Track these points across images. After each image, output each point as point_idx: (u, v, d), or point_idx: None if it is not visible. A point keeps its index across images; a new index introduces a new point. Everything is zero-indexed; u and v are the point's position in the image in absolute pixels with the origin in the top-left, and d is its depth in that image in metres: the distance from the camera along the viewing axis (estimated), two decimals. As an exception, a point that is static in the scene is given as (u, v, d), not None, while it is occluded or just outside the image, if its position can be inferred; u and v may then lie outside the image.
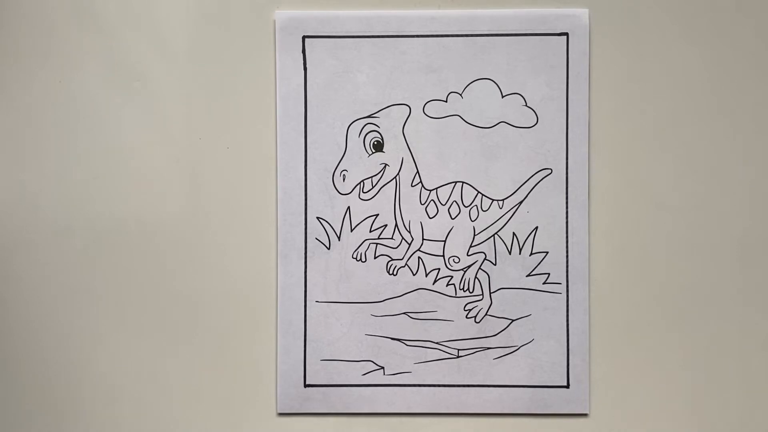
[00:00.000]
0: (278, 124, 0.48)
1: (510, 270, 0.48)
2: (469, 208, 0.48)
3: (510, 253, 0.48)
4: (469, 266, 0.48)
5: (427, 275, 0.48)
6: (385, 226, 0.48)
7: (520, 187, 0.47)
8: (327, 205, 0.48)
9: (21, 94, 0.48)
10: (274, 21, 0.47)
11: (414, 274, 0.48)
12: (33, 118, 0.48)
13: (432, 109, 0.47)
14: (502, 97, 0.47)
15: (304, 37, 0.47)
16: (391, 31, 0.47)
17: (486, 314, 0.48)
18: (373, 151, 0.48)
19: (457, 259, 0.48)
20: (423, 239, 0.48)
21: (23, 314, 0.49)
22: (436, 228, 0.48)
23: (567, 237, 0.47)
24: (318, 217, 0.48)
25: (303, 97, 0.48)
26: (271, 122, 0.48)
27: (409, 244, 0.48)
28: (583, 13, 0.47)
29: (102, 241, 0.48)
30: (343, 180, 0.48)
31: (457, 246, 0.48)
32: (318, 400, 0.48)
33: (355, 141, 0.48)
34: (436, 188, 0.48)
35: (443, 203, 0.48)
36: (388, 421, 0.48)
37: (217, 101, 0.48)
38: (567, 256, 0.47)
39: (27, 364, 0.49)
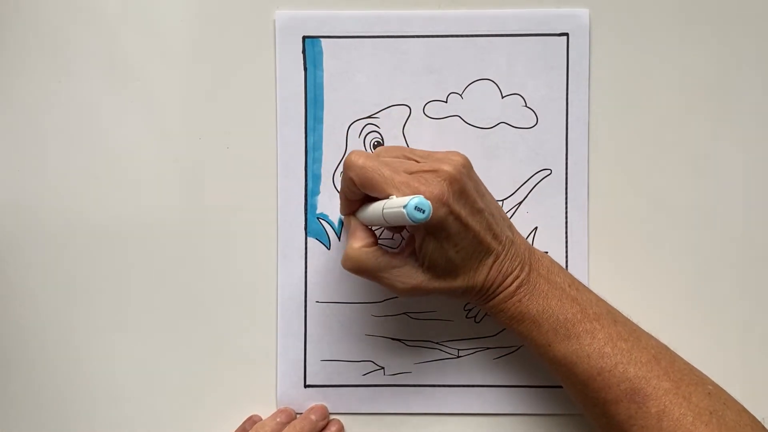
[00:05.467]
0: (278, 124, 0.48)
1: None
2: (469, 208, 0.48)
3: (510, 253, 0.48)
4: (469, 266, 0.48)
5: (427, 275, 0.48)
6: (385, 226, 0.48)
7: (520, 187, 0.47)
8: (327, 205, 0.48)
9: (20, 94, 0.48)
10: (274, 21, 0.47)
11: (414, 274, 0.48)
12: (33, 118, 0.48)
13: (432, 109, 0.47)
14: (502, 97, 0.47)
15: (304, 37, 0.47)
16: (391, 31, 0.47)
17: (486, 314, 0.48)
18: (373, 151, 0.47)
19: (457, 259, 0.48)
20: (423, 239, 0.48)
21: (23, 314, 0.49)
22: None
23: (566, 237, 0.48)
24: (318, 217, 0.48)
25: (303, 97, 0.48)
26: (271, 122, 0.48)
27: (409, 245, 0.48)
28: (583, 13, 0.47)
29: (102, 241, 0.48)
30: (343, 180, 0.48)
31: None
32: (318, 400, 0.48)
33: (355, 141, 0.48)
34: (436, 188, 0.48)
35: (443, 203, 0.48)
36: (388, 421, 0.48)
37: (217, 101, 0.48)
38: (567, 256, 0.47)
39: (27, 364, 0.49)
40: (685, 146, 0.47)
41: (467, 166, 0.39)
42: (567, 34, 0.47)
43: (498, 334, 0.48)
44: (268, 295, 0.48)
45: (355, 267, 0.40)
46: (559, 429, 0.48)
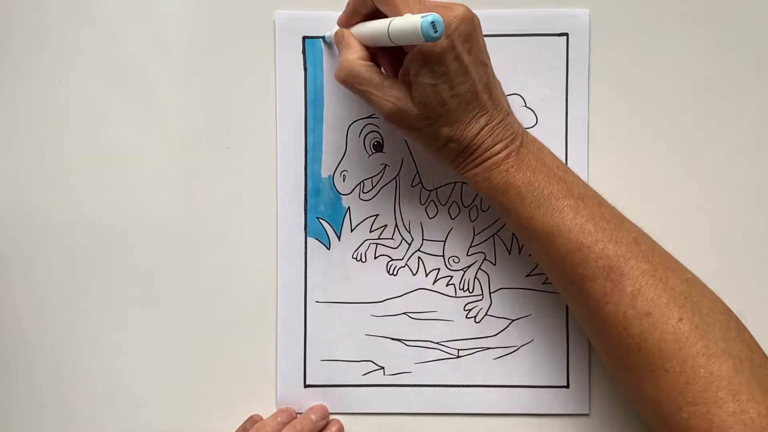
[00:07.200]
0: (278, 124, 0.48)
1: (509, 270, 0.48)
2: (468, 208, 0.48)
3: (510, 253, 0.48)
4: (468, 266, 0.48)
5: (427, 275, 0.48)
6: (385, 226, 0.48)
7: (520, 187, 0.47)
8: (327, 205, 0.48)
9: (21, 94, 0.48)
10: (274, 21, 0.47)
11: (414, 274, 0.48)
12: (33, 118, 0.48)
13: (432, 109, 0.47)
14: (502, 97, 0.47)
15: (304, 38, 0.47)
16: (391, 31, 0.47)
17: (486, 314, 0.48)
18: (374, 151, 0.48)
19: (456, 259, 0.48)
20: (423, 239, 0.48)
21: (23, 314, 0.49)
22: (436, 228, 0.48)
23: (567, 237, 0.47)
24: (318, 217, 0.48)
25: (303, 97, 0.48)
26: (271, 122, 0.48)
27: (409, 245, 0.48)
28: (583, 13, 0.47)
29: (102, 241, 0.48)
30: (343, 180, 0.48)
31: (456, 246, 0.48)
32: (318, 400, 0.48)
33: (355, 141, 0.48)
34: (436, 189, 0.48)
35: (443, 203, 0.48)
36: (388, 421, 0.48)
37: (217, 101, 0.48)
38: (567, 256, 0.47)
39: (27, 364, 0.49)
40: (685, 146, 0.47)
41: (479, 24, 0.39)
42: (567, 34, 0.47)
43: (498, 334, 0.48)
44: (268, 295, 0.48)
45: (349, 77, 0.40)
46: (559, 429, 0.48)
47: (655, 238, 0.47)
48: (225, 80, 0.48)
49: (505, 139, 0.40)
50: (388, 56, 0.42)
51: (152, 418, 0.49)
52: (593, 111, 0.47)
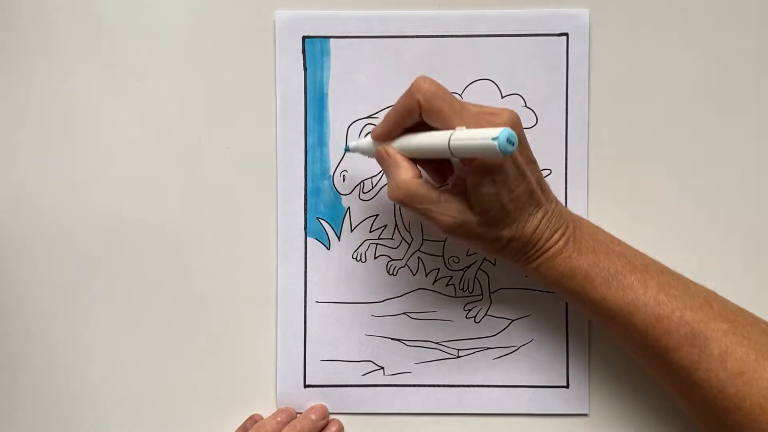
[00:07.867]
0: (278, 124, 0.48)
1: (509, 270, 0.48)
2: (469, 208, 0.48)
3: (510, 253, 0.48)
4: (468, 266, 0.48)
5: (427, 275, 0.48)
6: (385, 226, 0.48)
7: (520, 187, 0.47)
8: (327, 205, 0.48)
9: (21, 94, 0.48)
10: (274, 21, 0.47)
11: (414, 274, 0.48)
12: (33, 118, 0.48)
13: (432, 109, 0.47)
14: (502, 97, 0.47)
15: (304, 38, 0.47)
16: (391, 31, 0.47)
17: (486, 314, 0.48)
18: None
19: (456, 259, 0.48)
20: (423, 239, 0.48)
21: (23, 314, 0.49)
22: (435, 228, 0.48)
23: (567, 237, 0.48)
24: (318, 217, 0.48)
25: (303, 97, 0.48)
26: (271, 122, 0.48)
27: (409, 245, 0.48)
28: (583, 13, 0.47)
29: (102, 241, 0.48)
30: (343, 180, 0.48)
31: (456, 246, 0.48)
32: (318, 400, 0.48)
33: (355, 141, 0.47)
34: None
35: (443, 203, 0.48)
36: (388, 421, 0.48)
37: (217, 101, 0.48)
38: (567, 256, 0.47)
39: (27, 364, 0.49)
40: (685, 146, 0.47)
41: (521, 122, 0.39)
42: (567, 34, 0.47)
43: (498, 334, 0.48)
44: (268, 295, 0.48)
45: (407, 197, 0.39)
46: (559, 429, 0.48)
47: (655, 239, 0.47)
48: (225, 80, 0.48)
49: (561, 227, 0.40)
50: (432, 164, 0.42)
51: (152, 418, 0.49)
52: (593, 111, 0.47)
